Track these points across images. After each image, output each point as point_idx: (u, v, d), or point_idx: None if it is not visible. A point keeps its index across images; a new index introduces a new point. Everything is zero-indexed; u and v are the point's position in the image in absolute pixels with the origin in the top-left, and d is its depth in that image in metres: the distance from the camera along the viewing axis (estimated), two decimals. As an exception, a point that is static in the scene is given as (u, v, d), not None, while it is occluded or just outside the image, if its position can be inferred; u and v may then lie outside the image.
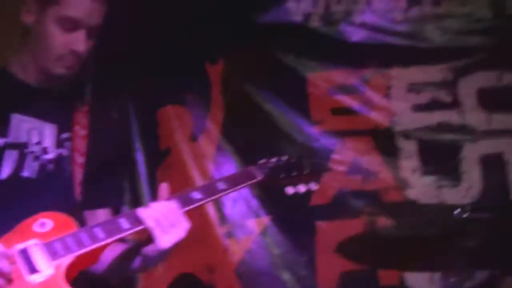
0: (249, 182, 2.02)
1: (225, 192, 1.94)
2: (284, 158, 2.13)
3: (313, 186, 2.13)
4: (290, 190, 2.10)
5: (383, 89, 3.38)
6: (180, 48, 3.23)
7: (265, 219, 3.22)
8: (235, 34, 3.30)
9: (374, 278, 3.20)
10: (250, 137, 3.29)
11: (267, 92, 3.33)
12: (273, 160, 2.11)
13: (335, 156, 3.24)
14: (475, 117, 3.40)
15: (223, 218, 3.27)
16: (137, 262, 1.90)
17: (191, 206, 1.87)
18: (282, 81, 3.34)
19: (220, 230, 3.24)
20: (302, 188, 2.10)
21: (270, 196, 3.19)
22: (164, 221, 1.77)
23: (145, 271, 2.57)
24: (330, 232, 3.17)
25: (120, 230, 1.77)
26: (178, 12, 3.23)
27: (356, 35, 3.41)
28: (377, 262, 2.87)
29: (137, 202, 3.15)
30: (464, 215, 2.57)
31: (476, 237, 2.54)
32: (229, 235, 3.23)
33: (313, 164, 2.16)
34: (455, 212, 2.59)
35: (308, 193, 2.12)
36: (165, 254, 1.83)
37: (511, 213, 3.23)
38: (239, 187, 1.99)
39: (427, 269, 3.06)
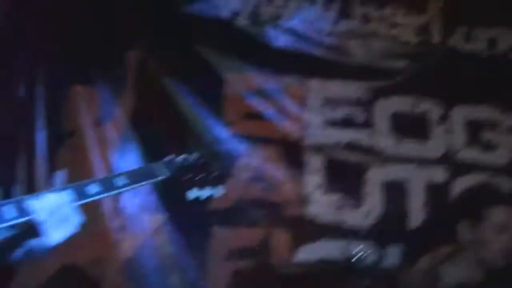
0: (151, 180, 2.02)
1: (125, 189, 1.94)
2: (192, 157, 2.13)
3: (218, 192, 2.14)
4: (192, 193, 2.11)
5: (299, 99, 3.50)
6: (99, 29, 3.18)
7: (161, 217, 3.24)
8: (157, 22, 3.31)
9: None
10: (158, 130, 3.29)
11: (183, 86, 3.36)
12: (180, 158, 2.10)
13: (240, 162, 3.30)
14: (385, 141, 3.59)
15: (117, 210, 3.26)
16: (17, 253, 1.86)
17: (87, 200, 1.86)
18: (199, 77, 3.39)
19: (112, 223, 3.23)
20: (205, 193, 2.12)
21: (169, 194, 3.20)
22: (56, 215, 1.74)
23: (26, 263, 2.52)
24: (225, 238, 3.25)
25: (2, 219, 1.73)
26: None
27: (281, 40, 3.52)
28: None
29: (32, 182, 3.08)
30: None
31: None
32: (121, 228, 3.22)
33: (222, 167, 2.18)
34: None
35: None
36: (52, 249, 1.82)
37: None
38: (140, 184, 1.99)
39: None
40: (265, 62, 3.44)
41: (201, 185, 2.09)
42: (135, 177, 1.98)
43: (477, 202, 3.67)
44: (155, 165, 2.04)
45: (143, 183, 1.99)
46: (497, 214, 3.63)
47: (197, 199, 2.10)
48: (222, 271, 3.24)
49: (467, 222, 3.33)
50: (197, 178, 2.08)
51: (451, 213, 3.61)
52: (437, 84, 3.73)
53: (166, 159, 2.08)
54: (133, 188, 1.98)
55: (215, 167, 2.16)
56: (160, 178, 2.01)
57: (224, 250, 3.22)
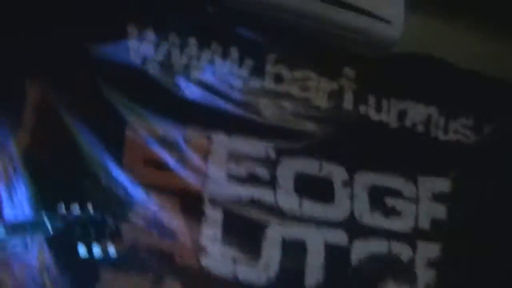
0: (37, 235, 1.99)
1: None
2: (87, 209, 2.12)
3: (112, 251, 2.13)
4: (83, 251, 2.09)
5: (203, 151, 3.64)
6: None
7: (47, 254, 3.23)
8: (64, 57, 3.37)
9: None
10: (54, 170, 3.32)
11: (84, 125, 3.40)
12: (74, 209, 2.09)
13: (138, 209, 3.37)
14: (287, 201, 3.75)
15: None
16: None
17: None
18: (103, 118, 3.45)
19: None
20: (97, 253, 2.11)
21: (58, 248, 3.21)
22: None
23: None
24: (114, 283, 3.26)
25: None
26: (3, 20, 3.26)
27: (191, 91, 3.69)
28: None
29: None
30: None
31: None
32: (2, 263, 3.19)
33: (118, 217, 2.16)
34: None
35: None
36: None
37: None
38: (24, 237, 1.97)
39: None
40: (172, 111, 3.58)
41: (94, 241, 2.12)
42: (18, 230, 1.95)
43: (376, 269, 3.83)
44: (45, 216, 2.04)
45: (27, 235, 1.97)
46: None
47: (88, 256, 2.10)
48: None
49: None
50: (90, 234, 2.10)
51: (348, 278, 3.74)
52: (344, 149, 3.96)
53: (59, 210, 2.07)
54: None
55: (111, 222, 2.16)
56: (49, 232, 2.00)
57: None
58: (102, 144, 3.39)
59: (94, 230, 2.12)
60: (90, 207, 2.24)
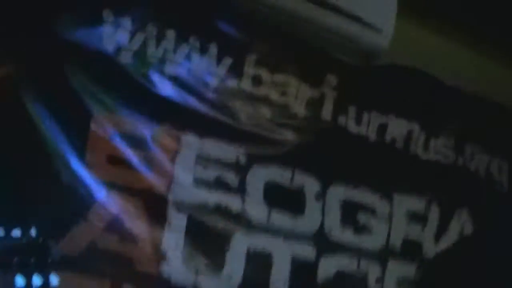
0: None
1: None
2: (28, 235, 2.00)
3: (54, 281, 2.03)
4: (20, 281, 1.96)
5: (171, 152, 3.61)
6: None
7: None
8: (30, 41, 3.31)
9: None
10: (13, 159, 3.26)
11: (47, 115, 3.35)
12: (14, 235, 1.96)
13: (97, 208, 3.34)
14: (255, 210, 3.77)
15: None
16: None
17: None
18: (67, 109, 3.39)
19: None
20: (37, 281, 1.99)
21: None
22: None
23: None
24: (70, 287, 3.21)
25: None
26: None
27: (163, 87, 3.66)
28: None
29: None
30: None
31: None
32: None
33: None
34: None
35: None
36: None
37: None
38: None
39: None
40: (142, 106, 3.55)
41: (34, 271, 2.00)
42: None
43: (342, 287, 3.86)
44: None
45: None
46: None
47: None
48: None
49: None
50: (30, 263, 1.99)
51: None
52: (319, 160, 3.98)
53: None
54: None
55: (54, 248, 2.04)
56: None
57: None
58: (65, 137, 3.35)
59: (35, 259, 1.99)
60: (33, 230, 2.10)
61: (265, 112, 3.89)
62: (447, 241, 4.33)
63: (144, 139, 3.56)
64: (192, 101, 3.69)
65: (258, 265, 3.73)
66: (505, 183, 4.63)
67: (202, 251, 3.59)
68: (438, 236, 4.30)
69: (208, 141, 3.71)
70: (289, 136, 3.93)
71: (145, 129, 3.57)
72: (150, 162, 3.55)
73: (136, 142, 3.53)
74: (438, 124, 4.41)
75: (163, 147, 3.60)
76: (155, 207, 3.52)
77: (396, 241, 4.15)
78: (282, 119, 3.93)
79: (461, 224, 4.39)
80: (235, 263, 3.66)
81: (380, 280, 4.06)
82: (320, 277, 3.87)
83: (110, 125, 3.48)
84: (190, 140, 3.67)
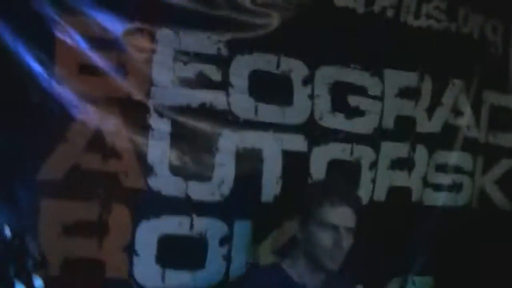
0: None
1: None
2: (3, 238, 1.91)
3: (39, 286, 1.94)
4: None
5: (146, 51, 3.52)
6: None
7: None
8: None
9: (101, 266, 3.42)
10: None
11: (6, 26, 3.19)
12: None
13: (75, 126, 3.30)
14: (241, 104, 3.76)
15: None
16: None
17: None
18: (28, 17, 3.24)
19: None
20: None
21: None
22: None
23: None
24: (57, 212, 3.29)
25: None
26: None
27: (129, -23, 3.47)
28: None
29: None
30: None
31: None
32: None
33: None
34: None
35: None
36: None
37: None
38: None
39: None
40: (107, 3, 3.39)
41: (15, 278, 1.90)
42: None
43: (337, 177, 3.97)
44: None
45: None
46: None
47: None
48: (55, 249, 3.26)
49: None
50: (8, 270, 1.89)
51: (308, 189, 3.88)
52: (305, 41, 3.93)
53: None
54: None
55: (34, 248, 1.95)
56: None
57: (56, 226, 3.24)
58: (30, 50, 3.22)
59: (14, 263, 1.88)
60: (7, 230, 2.00)
61: (246, -5, 3.78)
62: (440, 115, 4.44)
63: (115, 40, 3.45)
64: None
65: (249, 164, 3.78)
66: (499, 44, 4.68)
67: (190, 157, 3.62)
68: (431, 110, 4.41)
69: (185, 34, 3.61)
70: (271, 17, 3.84)
71: (115, 29, 3.46)
72: (125, 66, 3.46)
73: (107, 46, 3.42)
74: (431, -14, 4.36)
75: (137, 47, 3.49)
76: (136, 115, 3.49)
77: (389, 121, 4.23)
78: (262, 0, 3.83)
79: (454, 95, 4.48)
80: (225, 165, 3.70)
81: (374, 164, 4.18)
82: (313, 168, 3.97)
83: (77, 31, 3.35)
84: (165, 36, 3.56)
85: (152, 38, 3.53)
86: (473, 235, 4.50)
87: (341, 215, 3.39)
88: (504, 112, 4.75)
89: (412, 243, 4.37)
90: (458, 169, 4.56)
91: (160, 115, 3.53)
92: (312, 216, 3.40)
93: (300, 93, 3.94)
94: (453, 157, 4.54)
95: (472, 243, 4.47)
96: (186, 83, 3.61)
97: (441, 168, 4.51)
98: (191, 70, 3.63)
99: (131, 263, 3.47)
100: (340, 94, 4.06)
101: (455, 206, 4.54)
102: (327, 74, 4.01)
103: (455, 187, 4.56)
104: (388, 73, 4.22)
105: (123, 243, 3.45)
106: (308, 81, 3.96)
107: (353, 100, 4.11)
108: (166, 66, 3.57)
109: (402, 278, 4.39)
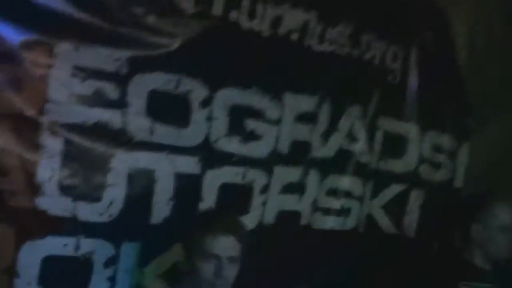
0: None
1: None
2: None
3: None
4: None
5: (43, 66, 3.57)
6: None
7: None
8: None
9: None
10: None
11: None
12: None
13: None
14: (137, 125, 3.89)
15: None
16: None
17: None
18: None
19: None
20: None
21: None
22: None
23: None
24: None
25: None
26: None
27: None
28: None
29: None
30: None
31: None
32: None
33: None
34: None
35: None
36: None
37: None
38: None
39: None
40: (4, 14, 3.40)
41: None
42: None
43: (228, 200, 4.16)
44: None
45: None
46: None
47: None
48: None
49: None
50: None
51: (199, 212, 4.06)
52: (207, 62, 4.07)
53: None
54: None
55: None
56: None
57: None
58: None
59: None
60: None
61: (148, 9, 3.85)
62: (335, 140, 4.70)
63: (11, 52, 3.49)
64: (64, 6, 3.58)
65: (141, 185, 3.91)
66: (398, 71, 4.97)
67: (81, 177, 3.71)
68: (326, 136, 4.66)
69: (85, 49, 3.67)
70: (174, 36, 3.95)
71: (11, 40, 3.48)
72: (20, 80, 3.50)
73: (1, 57, 3.46)
74: (337, 12, 4.56)
75: (34, 61, 3.53)
76: (27, 133, 3.54)
77: (284, 145, 4.46)
78: (168, 16, 3.92)
79: (350, 121, 4.74)
80: (116, 186, 3.81)
81: (265, 188, 4.40)
82: (205, 191, 4.14)
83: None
84: (64, 50, 3.61)
85: (50, 52, 3.58)
86: (359, 257, 4.84)
87: (223, 245, 3.58)
88: (397, 138, 5.10)
89: (300, 264, 4.66)
90: (348, 194, 4.89)
91: (53, 132, 3.59)
92: (196, 246, 3.58)
93: (197, 115, 4.08)
94: (345, 182, 4.86)
95: (358, 265, 4.82)
96: (83, 100, 3.69)
97: (332, 192, 4.81)
98: (88, 87, 3.71)
99: (10, 285, 3.56)
100: (238, 117, 4.25)
101: (342, 230, 4.87)
102: (226, 96, 4.18)
103: (344, 212, 4.89)
104: (288, 97, 4.44)
105: (2, 265, 3.54)
106: (206, 103, 4.12)
107: (250, 124, 4.31)
108: (63, 82, 3.62)
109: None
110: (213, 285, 3.54)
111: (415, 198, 5.25)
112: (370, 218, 5.05)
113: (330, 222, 4.82)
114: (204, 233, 3.57)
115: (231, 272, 3.59)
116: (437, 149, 5.36)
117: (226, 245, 3.58)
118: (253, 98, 4.30)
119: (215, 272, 3.53)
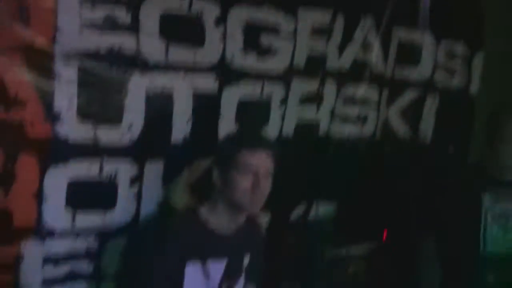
0: None
1: None
2: None
3: None
4: None
5: (49, -4, 3.13)
6: None
7: None
8: None
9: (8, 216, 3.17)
10: None
11: None
12: None
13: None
14: (151, 47, 3.49)
15: None
16: None
17: None
18: None
19: None
20: None
21: None
22: None
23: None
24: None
25: None
26: None
27: None
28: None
29: None
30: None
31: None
32: None
33: None
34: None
35: None
36: None
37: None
38: None
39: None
40: None
41: None
42: None
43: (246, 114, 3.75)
44: None
45: None
46: None
47: None
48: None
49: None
50: None
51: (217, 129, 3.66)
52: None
53: None
54: None
55: None
56: None
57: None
58: None
59: None
60: None
61: None
62: (350, 51, 4.20)
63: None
64: None
65: (159, 107, 3.55)
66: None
67: (98, 103, 3.36)
68: (342, 47, 4.16)
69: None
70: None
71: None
72: (27, 12, 3.08)
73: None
74: None
75: (40, -8, 3.13)
76: (40, 63, 3.15)
77: (300, 59, 4.01)
78: None
79: (365, 32, 4.22)
80: (134, 109, 3.47)
81: (284, 101, 3.98)
82: (223, 108, 3.74)
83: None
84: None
85: (58, -19, 3.18)
86: (375, 165, 4.42)
87: (259, 160, 3.22)
88: (411, 47, 4.59)
89: (318, 172, 4.26)
90: (364, 101, 4.43)
91: (67, 62, 3.22)
92: (231, 162, 3.21)
93: (212, 34, 3.66)
94: (361, 91, 4.39)
95: (374, 173, 4.40)
96: (93, 27, 3.29)
97: (349, 101, 4.36)
98: (98, 13, 3.30)
99: (40, 210, 3.26)
100: (252, 34, 3.81)
101: (360, 137, 4.44)
102: (240, 13, 3.73)
103: (361, 119, 4.45)
104: (302, 11, 3.97)
105: (31, 191, 3.23)
106: (220, 21, 3.67)
107: (266, 40, 3.85)
108: (72, 9, 3.22)
109: (307, 204, 4.30)
110: (251, 198, 3.19)
111: (431, 104, 4.77)
112: (386, 125, 4.61)
113: (347, 130, 4.39)
114: (239, 151, 3.20)
115: (267, 184, 3.24)
116: (452, 56, 4.83)
117: (262, 159, 3.21)
118: (267, 15, 3.83)
119: (253, 184, 3.17)
